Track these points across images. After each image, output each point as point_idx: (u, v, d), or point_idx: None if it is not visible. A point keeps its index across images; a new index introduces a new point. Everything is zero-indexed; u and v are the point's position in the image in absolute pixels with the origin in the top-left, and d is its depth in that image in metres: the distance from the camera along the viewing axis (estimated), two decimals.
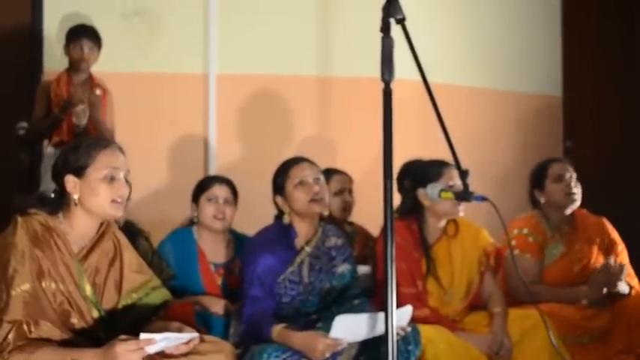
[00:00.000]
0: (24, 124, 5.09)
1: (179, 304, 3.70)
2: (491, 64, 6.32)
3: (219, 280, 3.94)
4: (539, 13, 6.63)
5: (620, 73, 6.84)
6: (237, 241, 4.06)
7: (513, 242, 4.33)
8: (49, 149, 4.88)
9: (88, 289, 2.80)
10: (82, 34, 4.88)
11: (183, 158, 5.39)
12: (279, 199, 3.70)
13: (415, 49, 2.77)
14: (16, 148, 5.11)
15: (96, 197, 2.80)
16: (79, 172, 2.81)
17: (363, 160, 5.33)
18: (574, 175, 4.41)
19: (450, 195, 3.69)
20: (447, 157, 5.79)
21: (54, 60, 5.21)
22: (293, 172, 3.67)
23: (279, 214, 3.71)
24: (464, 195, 3.20)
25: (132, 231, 3.67)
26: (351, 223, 4.60)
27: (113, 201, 2.81)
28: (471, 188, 5.96)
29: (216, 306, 3.76)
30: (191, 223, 4.03)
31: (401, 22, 2.69)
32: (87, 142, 2.86)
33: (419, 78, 5.81)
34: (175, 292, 3.78)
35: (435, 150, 5.21)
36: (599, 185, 6.40)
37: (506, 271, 4.26)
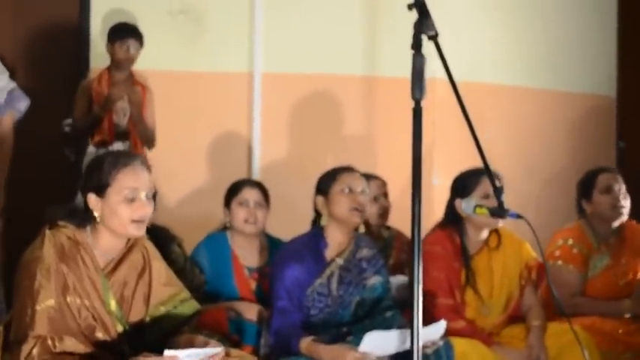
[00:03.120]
0: (69, 121, 5.13)
1: (212, 310, 3.71)
2: (542, 63, 6.20)
3: (253, 285, 3.92)
4: (594, 9, 6.48)
5: None
6: (271, 246, 4.03)
7: (557, 252, 4.24)
8: (90, 148, 4.89)
9: (113, 304, 2.79)
10: (129, 34, 4.86)
11: (225, 158, 5.38)
12: (319, 200, 3.64)
13: (447, 64, 2.68)
14: (62, 145, 5.14)
15: (116, 217, 2.77)
16: (100, 191, 2.78)
17: (407, 162, 5.26)
18: (623, 187, 4.29)
19: (484, 211, 3.61)
20: (496, 155, 5.79)
21: (100, 57, 5.22)
22: (342, 178, 3.62)
23: (316, 217, 3.66)
24: (498, 212, 3.12)
25: (165, 237, 3.67)
26: (389, 228, 4.53)
27: (133, 221, 2.78)
28: (521, 188, 5.96)
29: (250, 312, 3.74)
30: (225, 227, 4.02)
31: (433, 38, 2.61)
32: (109, 160, 2.82)
33: (467, 78, 5.78)
34: (209, 297, 3.81)
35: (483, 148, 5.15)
36: None
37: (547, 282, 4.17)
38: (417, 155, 2.65)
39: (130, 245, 2.90)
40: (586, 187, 4.34)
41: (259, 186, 4.08)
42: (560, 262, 4.21)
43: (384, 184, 4.53)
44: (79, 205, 2.86)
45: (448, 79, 2.73)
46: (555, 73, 6.24)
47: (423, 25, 2.57)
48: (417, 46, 2.58)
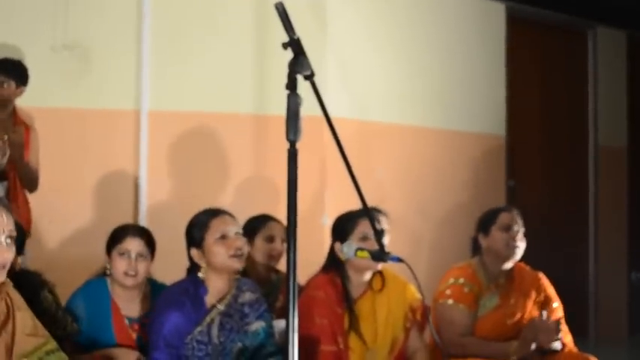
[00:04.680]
0: None
1: (87, 359, 3.55)
2: (433, 102, 6.27)
3: (134, 335, 3.74)
4: (485, 50, 6.59)
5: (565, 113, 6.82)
6: (155, 292, 3.82)
7: (448, 291, 4.22)
8: None
9: None
10: (2, 71, 4.70)
11: (112, 197, 5.23)
12: (195, 253, 3.53)
13: (325, 106, 2.62)
14: None
15: None
16: None
17: (303, 203, 5.22)
18: (522, 230, 4.32)
19: (365, 254, 3.57)
20: (388, 194, 5.80)
21: None
22: (214, 225, 3.50)
23: (192, 268, 3.55)
24: (380, 255, 3.07)
25: (36, 283, 3.49)
26: (277, 271, 4.45)
27: None
28: (414, 227, 5.97)
29: (127, 358, 3.58)
30: (105, 273, 3.84)
31: (309, 78, 2.55)
32: None
33: (359, 117, 5.77)
34: (86, 347, 3.64)
35: (373, 189, 5.15)
36: (541, 229, 6.36)
37: (436, 322, 4.14)
38: (292, 200, 2.56)
39: None
40: (485, 222, 4.35)
41: (144, 234, 3.85)
42: (450, 301, 4.19)
43: (281, 227, 4.44)
44: None
45: (325, 118, 2.67)
46: (446, 113, 6.31)
47: (298, 64, 2.51)
48: (291, 85, 2.52)
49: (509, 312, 4.25)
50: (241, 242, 3.49)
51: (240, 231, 3.55)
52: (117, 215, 4.80)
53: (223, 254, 3.45)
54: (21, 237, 3.51)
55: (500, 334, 4.19)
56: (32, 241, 4.81)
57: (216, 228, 3.49)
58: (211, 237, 3.48)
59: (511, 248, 4.24)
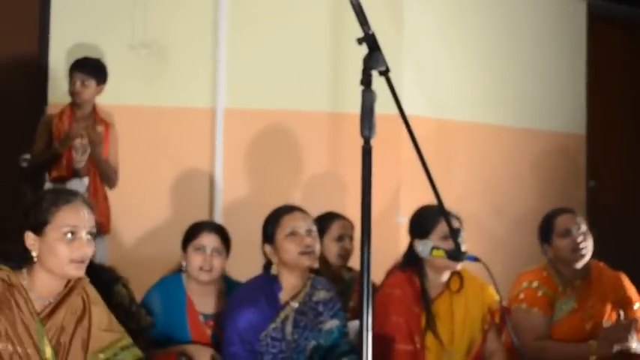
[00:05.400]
0: (27, 156, 5.02)
1: (163, 355, 3.57)
2: (513, 100, 6.16)
3: (208, 332, 3.75)
4: (564, 48, 6.46)
5: None
6: (230, 290, 3.82)
7: (522, 295, 4.13)
8: (47, 184, 4.78)
9: (48, 351, 2.65)
10: (76, 68, 4.79)
11: (187, 195, 5.27)
12: (267, 248, 3.54)
13: (400, 102, 2.58)
14: (19, 180, 5.02)
15: (54, 257, 2.66)
16: (38, 229, 2.68)
17: (377, 202, 5.18)
18: (583, 227, 4.18)
19: (441, 253, 3.50)
20: (463, 193, 5.72)
21: (60, 92, 5.11)
22: (284, 222, 3.51)
23: (267, 264, 3.54)
24: (455, 255, 3.01)
25: (110, 278, 3.53)
26: (350, 269, 4.41)
27: (72, 261, 2.67)
28: (489, 227, 5.87)
29: (202, 356, 3.59)
30: (181, 269, 3.86)
31: (384, 73, 2.51)
32: (49, 197, 2.72)
33: (436, 115, 5.71)
34: (161, 343, 3.66)
35: (449, 188, 5.08)
36: (623, 230, 6.20)
37: (512, 326, 4.05)
38: (367, 198, 2.51)
39: (69, 288, 2.77)
40: (545, 230, 4.24)
41: (219, 230, 3.88)
42: (524, 305, 4.10)
43: (351, 226, 4.40)
44: (16, 246, 2.74)
45: (400, 115, 2.62)
46: (525, 111, 6.20)
47: (373, 60, 2.46)
48: (366, 81, 2.47)
49: (586, 316, 4.13)
50: (311, 240, 3.47)
51: (313, 229, 3.52)
52: (193, 213, 4.81)
53: (293, 251, 3.44)
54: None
55: (577, 338, 4.07)
56: (110, 237, 4.87)
57: (286, 224, 3.49)
58: (282, 233, 3.48)
59: (577, 252, 4.12)
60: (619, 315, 4.07)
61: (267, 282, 3.48)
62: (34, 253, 2.67)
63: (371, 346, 2.47)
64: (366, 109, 2.48)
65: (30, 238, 2.68)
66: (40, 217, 2.68)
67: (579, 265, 4.15)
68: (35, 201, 2.73)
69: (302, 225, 3.49)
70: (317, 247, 3.50)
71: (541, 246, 4.26)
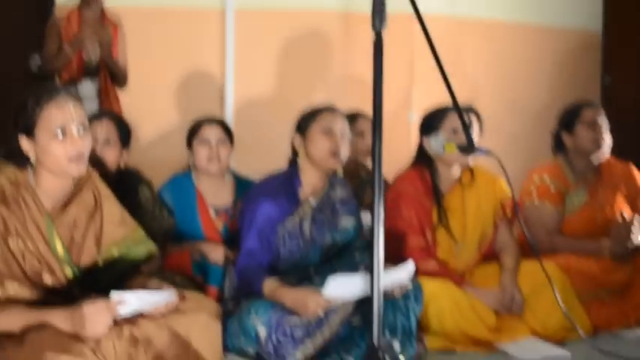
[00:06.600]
0: (37, 59, 5.01)
1: (176, 251, 3.61)
2: None
3: (219, 225, 3.80)
4: None
5: None
6: (239, 186, 3.90)
7: (533, 190, 4.13)
8: None
9: (59, 247, 2.65)
10: None
11: (199, 96, 5.23)
12: (297, 139, 3.47)
13: None
14: (29, 83, 5.01)
15: (50, 157, 2.61)
16: (29, 132, 2.62)
17: (389, 100, 5.14)
18: (605, 124, 4.14)
19: (453, 147, 3.49)
20: (479, 91, 5.67)
21: None
22: (324, 117, 3.44)
23: (293, 156, 3.50)
24: (467, 148, 2.99)
25: (135, 180, 3.56)
26: (366, 168, 4.42)
27: (70, 159, 2.61)
28: (505, 124, 5.84)
29: (215, 253, 3.63)
30: (190, 169, 3.89)
31: None
32: (32, 98, 2.63)
33: (449, 12, 5.61)
34: (174, 238, 3.70)
35: (463, 86, 5.04)
36: (638, 127, 6.16)
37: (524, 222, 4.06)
38: (378, 91, 2.48)
39: (80, 185, 2.75)
40: (569, 119, 4.19)
41: (220, 123, 3.94)
42: (536, 200, 4.11)
43: (369, 122, 4.40)
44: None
45: (413, 11, 2.58)
46: (539, 8, 6.09)
47: None
48: None
49: (598, 207, 4.14)
50: (344, 144, 3.41)
51: (348, 134, 3.46)
52: (204, 114, 4.79)
53: (324, 149, 3.39)
54: (125, 130, 3.57)
55: (590, 231, 4.09)
56: None
57: (325, 120, 3.43)
58: (318, 127, 3.42)
59: (598, 144, 4.10)
60: (631, 210, 4.07)
61: (288, 178, 3.45)
62: (31, 156, 2.63)
63: (383, 240, 2.48)
64: (378, 2, 2.44)
65: (24, 142, 2.63)
66: (28, 119, 2.61)
67: (597, 158, 4.12)
68: (22, 104, 2.65)
69: (339, 127, 3.43)
70: (346, 153, 3.44)
71: (557, 135, 4.21)
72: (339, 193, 3.55)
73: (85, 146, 2.65)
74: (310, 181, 3.47)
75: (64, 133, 2.61)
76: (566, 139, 4.18)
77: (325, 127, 3.41)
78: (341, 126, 3.44)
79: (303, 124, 3.47)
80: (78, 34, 4.72)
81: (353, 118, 4.37)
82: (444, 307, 3.47)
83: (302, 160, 3.47)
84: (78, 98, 2.70)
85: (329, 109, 3.49)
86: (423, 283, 3.36)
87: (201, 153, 3.81)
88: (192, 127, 3.92)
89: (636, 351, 3.48)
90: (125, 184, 3.40)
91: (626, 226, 3.97)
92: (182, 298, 2.65)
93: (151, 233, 2.95)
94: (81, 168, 2.65)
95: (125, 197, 2.93)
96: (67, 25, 4.81)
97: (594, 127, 4.11)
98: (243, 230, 3.38)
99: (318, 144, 3.41)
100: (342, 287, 3.06)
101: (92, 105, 4.71)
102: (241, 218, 3.45)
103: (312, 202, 3.46)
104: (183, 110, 5.17)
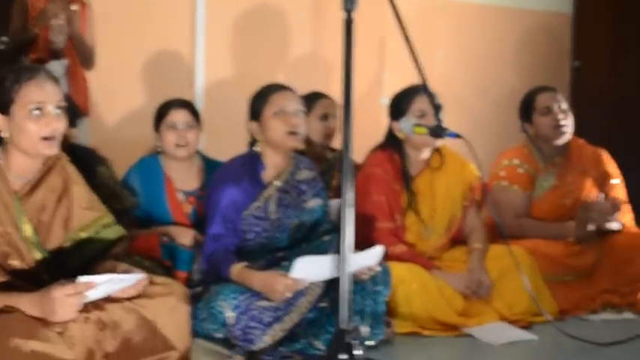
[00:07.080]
0: (4, 39, 4.92)
1: (144, 235, 3.59)
2: None
3: (188, 209, 3.77)
4: None
5: None
6: (208, 168, 3.86)
7: (502, 173, 4.16)
8: None
9: (28, 230, 2.63)
10: None
11: (168, 76, 5.18)
12: (252, 125, 3.47)
13: None
14: None
15: (24, 135, 2.61)
16: (5, 109, 2.62)
17: (359, 81, 5.13)
18: (563, 105, 4.19)
19: (423, 130, 3.49)
20: (448, 74, 5.68)
21: None
22: (273, 99, 3.42)
23: (252, 142, 3.50)
24: (437, 131, 3.00)
25: (91, 159, 3.52)
26: (334, 150, 4.41)
27: (43, 138, 2.61)
28: (474, 107, 5.86)
29: (184, 237, 3.60)
30: (157, 152, 3.85)
31: None
32: (10, 76, 2.63)
33: None
34: (143, 223, 3.68)
35: (434, 69, 5.04)
36: (608, 111, 6.19)
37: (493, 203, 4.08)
38: (348, 73, 2.49)
39: (48, 167, 2.73)
40: (525, 109, 4.27)
41: (188, 106, 3.87)
42: (505, 183, 4.14)
43: (334, 104, 4.37)
44: None
45: None
46: None
47: None
48: None
49: (566, 191, 4.18)
50: (299, 120, 3.40)
51: (301, 109, 3.45)
52: (174, 95, 4.72)
53: (280, 130, 3.38)
54: (72, 109, 3.52)
55: (558, 214, 4.14)
56: (91, 120, 4.83)
57: (275, 102, 3.41)
58: (269, 111, 3.40)
59: (557, 129, 4.15)
60: (600, 193, 4.10)
61: (251, 161, 3.44)
62: (4, 134, 2.62)
63: (352, 224, 2.49)
64: None
65: None
66: (5, 96, 2.61)
67: (560, 142, 4.17)
68: None
69: (291, 105, 3.41)
70: (304, 129, 3.43)
71: (522, 124, 4.27)
72: (305, 174, 3.54)
73: (59, 127, 2.65)
74: (273, 163, 3.45)
75: (40, 112, 2.61)
76: (528, 128, 4.24)
77: (277, 108, 3.40)
78: (292, 102, 3.42)
79: (256, 110, 3.46)
80: (43, 10, 4.60)
81: (314, 98, 4.34)
82: (412, 291, 3.49)
83: (262, 145, 3.45)
84: (56, 79, 2.70)
85: (278, 89, 3.47)
86: (391, 267, 3.37)
87: (169, 138, 3.76)
88: (158, 111, 3.85)
89: (602, 334, 3.52)
90: (82, 163, 3.36)
91: (588, 209, 4.01)
92: (151, 282, 2.64)
93: (114, 212, 2.93)
94: (53, 148, 2.65)
95: (83, 176, 2.90)
96: (34, 1, 4.72)
97: (550, 113, 4.16)
98: (209, 215, 3.37)
99: (274, 127, 3.39)
100: (310, 268, 3.06)
101: (60, 85, 4.63)
102: (206, 202, 3.44)
103: (277, 183, 3.44)
104: (152, 90, 5.12)
